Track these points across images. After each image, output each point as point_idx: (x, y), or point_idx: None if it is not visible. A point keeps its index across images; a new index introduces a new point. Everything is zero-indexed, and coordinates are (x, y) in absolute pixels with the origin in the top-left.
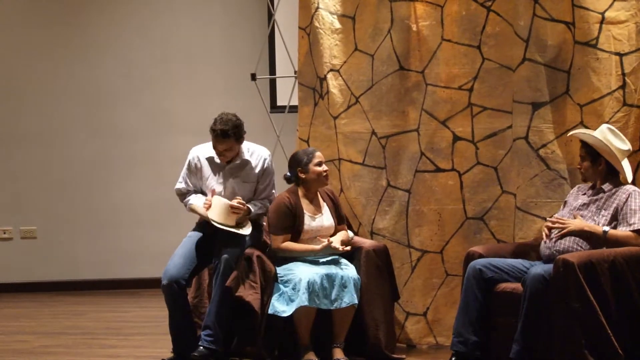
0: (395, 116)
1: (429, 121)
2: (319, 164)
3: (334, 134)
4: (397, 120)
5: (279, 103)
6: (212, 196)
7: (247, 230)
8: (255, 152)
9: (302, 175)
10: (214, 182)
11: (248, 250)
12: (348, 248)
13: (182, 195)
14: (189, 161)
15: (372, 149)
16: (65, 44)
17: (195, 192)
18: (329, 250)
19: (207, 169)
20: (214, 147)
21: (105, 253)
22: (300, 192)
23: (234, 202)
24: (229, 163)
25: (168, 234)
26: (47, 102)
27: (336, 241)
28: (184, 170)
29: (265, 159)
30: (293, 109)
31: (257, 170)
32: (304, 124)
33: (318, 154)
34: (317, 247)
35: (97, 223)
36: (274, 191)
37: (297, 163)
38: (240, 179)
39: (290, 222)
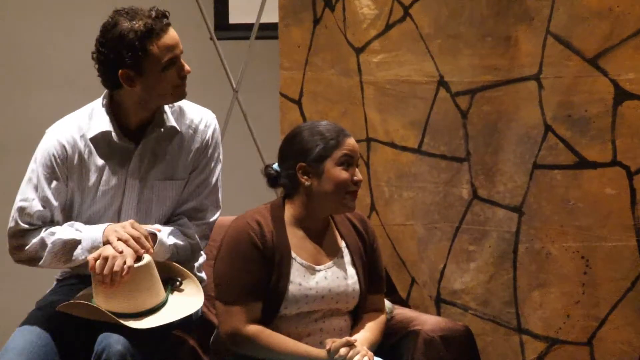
0: (490, 47)
1: (564, 58)
2: (349, 162)
3: (356, 86)
4: (494, 58)
5: (234, 20)
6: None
7: (194, 300)
8: (187, 115)
9: (306, 181)
10: (112, 192)
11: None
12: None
13: (36, 229)
14: (52, 155)
15: (440, 119)
16: None
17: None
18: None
19: (95, 164)
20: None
21: None
22: (289, 213)
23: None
24: (141, 136)
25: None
26: None
27: (363, 343)
28: (39, 178)
29: (210, 127)
30: (267, 30)
31: (193, 149)
32: (291, 65)
33: (350, 140)
34: (319, 351)
35: None
36: (220, 195)
37: (300, 151)
38: (165, 172)
39: (260, 277)
